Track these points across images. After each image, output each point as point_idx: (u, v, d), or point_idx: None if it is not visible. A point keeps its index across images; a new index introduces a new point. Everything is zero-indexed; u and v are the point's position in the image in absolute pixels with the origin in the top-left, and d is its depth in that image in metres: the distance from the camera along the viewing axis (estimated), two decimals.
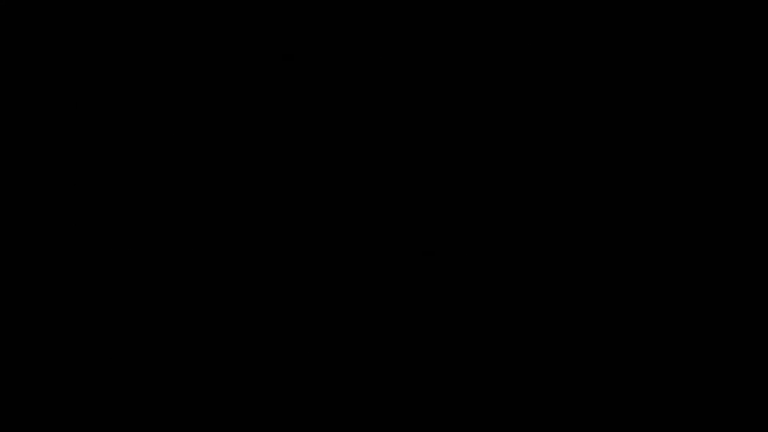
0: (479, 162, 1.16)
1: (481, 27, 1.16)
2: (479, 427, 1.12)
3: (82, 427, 1.14)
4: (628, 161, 1.14)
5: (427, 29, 1.17)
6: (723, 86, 1.13)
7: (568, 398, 1.10)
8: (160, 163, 1.21)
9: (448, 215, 1.16)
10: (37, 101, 1.20)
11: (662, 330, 1.11)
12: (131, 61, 1.20)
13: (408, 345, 1.15)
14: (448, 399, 1.13)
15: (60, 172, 1.20)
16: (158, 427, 1.14)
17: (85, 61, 1.20)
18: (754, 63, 1.12)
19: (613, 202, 1.13)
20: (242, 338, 1.17)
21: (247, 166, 1.21)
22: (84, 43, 1.20)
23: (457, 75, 1.18)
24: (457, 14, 1.16)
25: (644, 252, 1.12)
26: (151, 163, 1.21)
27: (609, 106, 1.15)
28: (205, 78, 1.21)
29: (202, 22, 1.19)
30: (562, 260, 1.13)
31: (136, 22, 1.18)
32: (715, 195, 1.12)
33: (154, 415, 1.15)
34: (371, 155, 1.18)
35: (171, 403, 1.16)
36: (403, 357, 1.15)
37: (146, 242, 1.19)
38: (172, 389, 1.16)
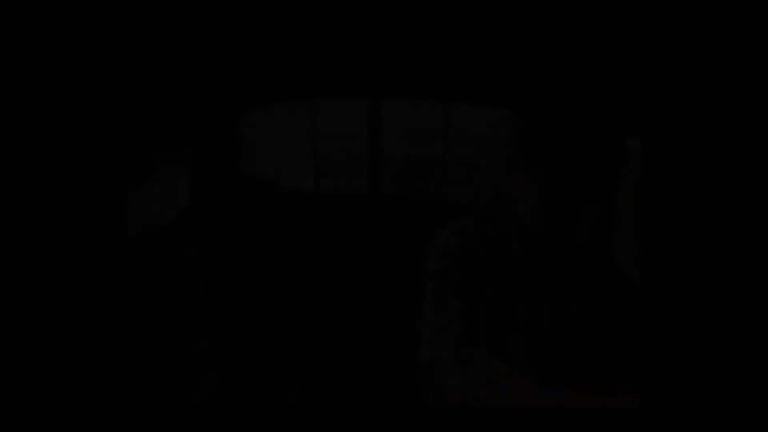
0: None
1: (480, 26, 1.17)
2: (479, 426, 1.11)
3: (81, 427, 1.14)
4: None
5: (425, 28, 1.17)
6: None
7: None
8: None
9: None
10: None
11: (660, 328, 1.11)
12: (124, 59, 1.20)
13: (407, 345, 1.15)
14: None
15: (57, 170, 1.20)
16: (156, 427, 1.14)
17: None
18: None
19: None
20: (242, 337, 1.17)
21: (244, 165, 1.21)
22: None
23: (456, 75, 1.18)
24: (457, 14, 1.17)
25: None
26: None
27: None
28: (202, 77, 1.21)
29: (201, 22, 1.19)
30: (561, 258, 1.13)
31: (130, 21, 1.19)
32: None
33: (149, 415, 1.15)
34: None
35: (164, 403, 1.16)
36: (402, 357, 1.15)
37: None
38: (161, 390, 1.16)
